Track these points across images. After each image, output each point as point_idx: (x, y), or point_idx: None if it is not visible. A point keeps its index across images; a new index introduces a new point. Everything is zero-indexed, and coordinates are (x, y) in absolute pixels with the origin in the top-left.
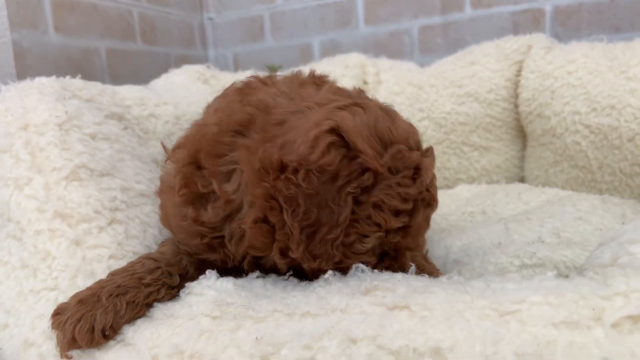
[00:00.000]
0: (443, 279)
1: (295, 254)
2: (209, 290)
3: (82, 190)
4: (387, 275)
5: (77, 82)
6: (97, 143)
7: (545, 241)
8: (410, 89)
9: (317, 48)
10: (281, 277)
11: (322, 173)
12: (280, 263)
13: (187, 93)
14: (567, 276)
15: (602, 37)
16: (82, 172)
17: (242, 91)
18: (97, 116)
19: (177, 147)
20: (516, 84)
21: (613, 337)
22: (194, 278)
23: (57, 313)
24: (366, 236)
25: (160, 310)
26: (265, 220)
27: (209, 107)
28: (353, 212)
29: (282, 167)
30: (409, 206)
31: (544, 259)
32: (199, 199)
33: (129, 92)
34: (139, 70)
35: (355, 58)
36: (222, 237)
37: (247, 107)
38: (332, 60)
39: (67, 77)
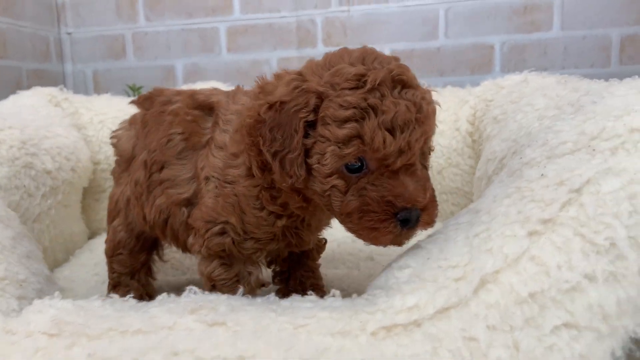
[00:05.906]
0: (259, 299)
1: (275, 174)
2: (49, 309)
3: None
4: (213, 296)
5: None
6: None
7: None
8: None
9: (180, 71)
10: (120, 299)
11: (282, 106)
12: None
13: (35, 117)
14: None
15: (424, 82)
16: None
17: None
18: None
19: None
20: None
21: (371, 342)
22: None
23: None
24: (323, 154)
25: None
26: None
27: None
28: (309, 136)
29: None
30: (349, 113)
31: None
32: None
33: None
34: None
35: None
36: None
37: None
38: (193, 88)
39: None
